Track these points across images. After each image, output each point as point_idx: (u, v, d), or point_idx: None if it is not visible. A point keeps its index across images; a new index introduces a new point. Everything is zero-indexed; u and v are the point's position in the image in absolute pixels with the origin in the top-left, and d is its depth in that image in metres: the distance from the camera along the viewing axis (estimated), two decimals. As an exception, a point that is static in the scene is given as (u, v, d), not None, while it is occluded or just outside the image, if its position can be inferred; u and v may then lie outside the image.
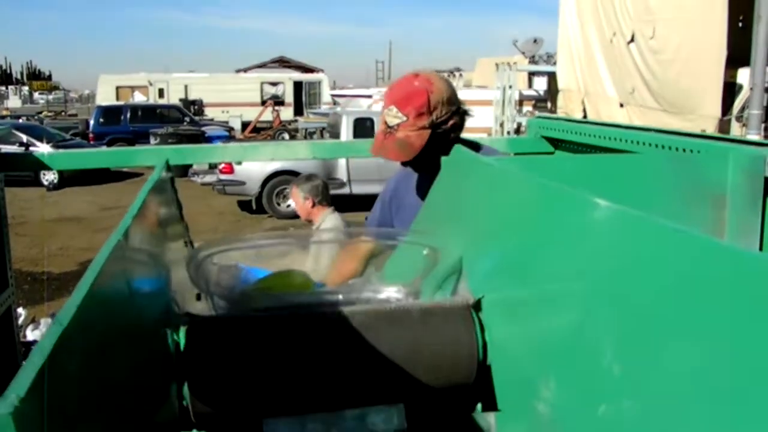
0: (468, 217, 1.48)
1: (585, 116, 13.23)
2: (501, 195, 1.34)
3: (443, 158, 1.72)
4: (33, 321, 5.98)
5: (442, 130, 2.36)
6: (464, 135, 2.52)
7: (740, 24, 11.06)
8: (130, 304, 1.01)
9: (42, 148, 17.86)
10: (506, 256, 1.27)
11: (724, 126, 10.36)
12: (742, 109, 10.44)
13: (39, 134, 21.70)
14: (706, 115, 10.21)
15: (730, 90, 10.61)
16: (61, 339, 0.64)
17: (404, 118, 2.33)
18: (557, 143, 2.67)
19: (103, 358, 0.80)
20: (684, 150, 1.94)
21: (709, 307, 0.71)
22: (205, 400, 1.25)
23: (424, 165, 2.40)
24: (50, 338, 0.63)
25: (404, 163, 2.48)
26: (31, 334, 5.55)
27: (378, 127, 2.38)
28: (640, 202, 1.03)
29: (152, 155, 2.79)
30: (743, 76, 10.39)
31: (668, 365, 0.76)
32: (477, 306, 1.35)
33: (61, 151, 3.42)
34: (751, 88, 9.40)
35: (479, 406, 1.32)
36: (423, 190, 2.45)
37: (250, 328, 1.33)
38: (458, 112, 2.41)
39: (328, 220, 5.07)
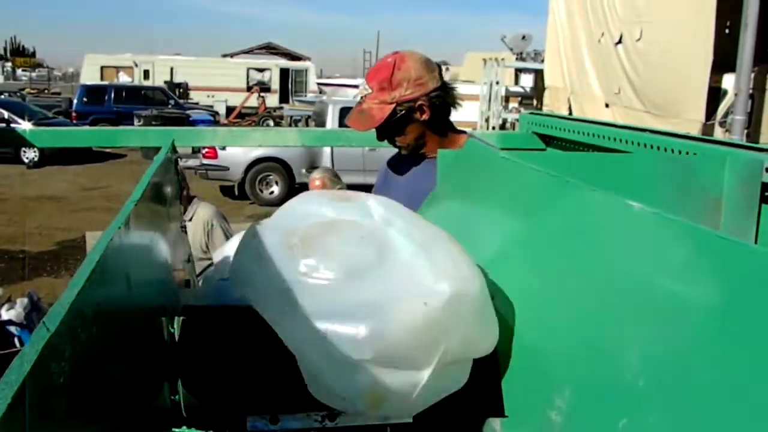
0: (479, 209, 1.43)
1: (570, 114, 13.24)
2: (518, 189, 1.28)
3: (457, 150, 1.70)
4: (9, 300, 5.89)
5: (406, 109, 2.35)
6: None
7: (727, 30, 11.08)
8: (128, 301, 0.94)
9: (23, 125, 17.66)
10: (521, 250, 1.20)
11: (707, 131, 10.37)
12: (726, 114, 10.47)
13: (21, 111, 21.48)
14: (690, 119, 10.23)
15: (715, 95, 10.64)
16: (47, 347, 0.57)
17: (369, 91, 2.37)
18: (549, 140, 2.65)
19: (95, 364, 0.74)
20: (679, 152, 1.92)
21: (760, 324, 0.67)
22: (198, 395, 1.20)
23: (400, 146, 2.47)
24: (35, 345, 0.57)
25: (379, 139, 2.49)
26: (6, 314, 5.46)
27: None
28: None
29: (137, 136, 2.75)
30: (728, 81, 10.41)
31: (704, 382, 0.71)
32: None
33: (43, 128, 3.37)
34: (736, 94, 9.43)
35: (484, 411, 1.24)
36: (408, 173, 2.50)
37: (247, 320, 1.28)
38: (432, 97, 2.37)
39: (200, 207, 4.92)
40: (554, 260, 1.06)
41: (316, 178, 4.85)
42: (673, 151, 1.94)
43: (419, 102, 2.35)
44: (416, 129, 2.40)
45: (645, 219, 0.85)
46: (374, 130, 2.42)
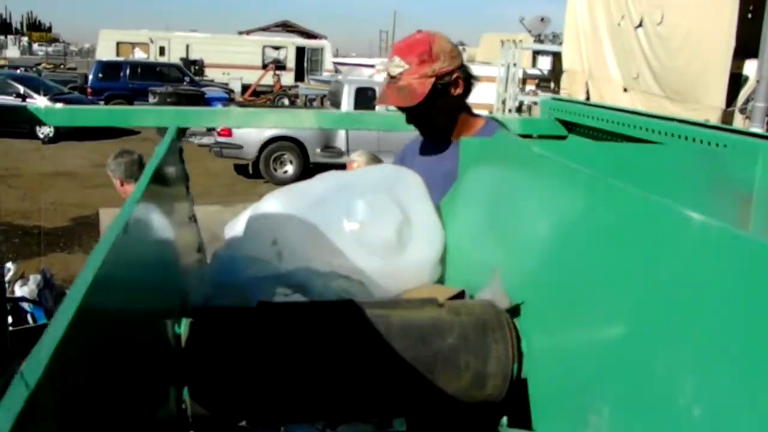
0: (509, 208, 1.35)
1: (588, 98, 13.15)
2: (555, 188, 1.20)
3: (484, 139, 1.66)
4: (22, 276, 5.90)
5: (445, 83, 2.36)
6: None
7: (749, 15, 10.92)
8: (131, 308, 0.88)
9: (39, 101, 17.73)
10: (555, 255, 1.13)
11: (726, 117, 10.26)
12: (747, 101, 10.33)
13: (36, 86, 21.53)
14: (709, 105, 10.12)
15: (736, 81, 10.50)
16: (27, 406, 0.50)
17: (407, 66, 2.34)
18: (571, 126, 2.59)
19: (89, 393, 0.68)
20: (709, 143, 1.85)
21: None
22: (206, 404, 1.15)
23: (430, 126, 2.46)
24: (7, 411, 0.49)
25: (409, 120, 2.47)
26: (19, 290, 5.47)
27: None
28: (663, 195, 0.93)
29: (152, 116, 2.71)
30: (749, 67, 10.28)
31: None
32: (514, 311, 1.21)
33: (57, 105, 3.33)
34: (758, 81, 9.30)
35: (505, 419, 1.20)
36: (428, 155, 2.49)
37: (256, 322, 1.24)
38: (463, 70, 2.41)
39: None
40: (598, 268, 0.98)
41: (354, 160, 4.89)
42: (701, 142, 1.88)
43: (455, 75, 2.37)
44: (450, 106, 2.41)
45: (706, 233, 0.79)
46: (400, 112, 2.41)
